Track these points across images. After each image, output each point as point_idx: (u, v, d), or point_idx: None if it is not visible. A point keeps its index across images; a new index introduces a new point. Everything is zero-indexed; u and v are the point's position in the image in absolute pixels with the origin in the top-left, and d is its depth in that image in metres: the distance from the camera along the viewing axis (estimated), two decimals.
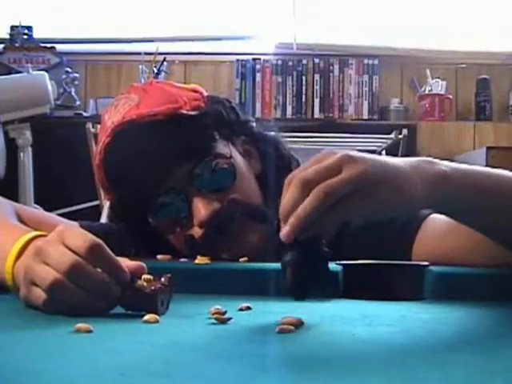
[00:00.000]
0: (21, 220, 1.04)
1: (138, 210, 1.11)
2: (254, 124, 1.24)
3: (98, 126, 3.28)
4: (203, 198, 1.07)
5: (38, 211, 1.41)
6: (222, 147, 1.13)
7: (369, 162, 0.74)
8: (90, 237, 0.75)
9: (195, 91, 1.17)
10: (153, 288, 0.75)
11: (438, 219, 1.10)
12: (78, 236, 0.75)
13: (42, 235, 0.83)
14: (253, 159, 1.19)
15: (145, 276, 0.76)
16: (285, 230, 0.70)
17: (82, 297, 0.73)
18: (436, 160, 0.83)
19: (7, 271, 0.82)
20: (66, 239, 0.75)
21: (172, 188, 1.08)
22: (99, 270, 0.73)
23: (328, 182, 0.70)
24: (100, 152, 1.12)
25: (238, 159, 1.14)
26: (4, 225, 0.95)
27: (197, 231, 1.08)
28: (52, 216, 1.24)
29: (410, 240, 1.07)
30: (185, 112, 1.09)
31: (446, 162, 0.83)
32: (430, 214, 1.12)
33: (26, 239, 0.83)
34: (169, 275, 0.76)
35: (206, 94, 1.19)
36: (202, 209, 1.06)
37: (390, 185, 0.74)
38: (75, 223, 1.19)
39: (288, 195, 0.71)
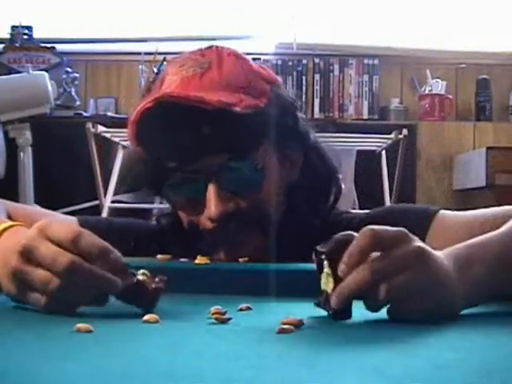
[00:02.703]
0: (11, 218, 1.04)
1: (153, 179, 1.09)
2: (311, 134, 1.18)
3: (98, 126, 3.28)
4: (220, 194, 1.04)
5: (32, 208, 1.39)
6: (262, 153, 1.08)
7: (435, 265, 0.75)
8: (72, 227, 0.75)
9: (270, 82, 1.11)
10: (155, 286, 0.75)
11: (447, 215, 1.10)
12: (60, 228, 0.75)
13: (18, 225, 0.83)
14: (293, 168, 1.14)
15: (141, 270, 0.76)
16: (336, 305, 0.72)
17: (83, 294, 0.73)
18: (475, 255, 0.82)
19: None
20: (50, 233, 0.74)
21: (195, 172, 1.05)
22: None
23: (395, 282, 0.71)
24: (140, 112, 1.04)
25: (273, 168, 1.10)
26: None
27: (205, 221, 1.07)
28: (47, 213, 1.22)
29: (421, 238, 1.07)
30: (236, 111, 1.02)
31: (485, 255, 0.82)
32: (439, 210, 1.12)
33: (1, 229, 0.82)
34: (165, 278, 0.77)
35: (278, 87, 1.13)
36: (213, 205, 1.04)
37: (441, 294, 0.75)
38: (74, 218, 1.18)
39: (356, 277, 0.72)
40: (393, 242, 0.73)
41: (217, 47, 1.12)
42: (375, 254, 0.73)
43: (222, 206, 1.04)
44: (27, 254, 0.74)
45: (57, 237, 0.74)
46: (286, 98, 1.14)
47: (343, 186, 1.22)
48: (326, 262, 0.75)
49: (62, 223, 0.77)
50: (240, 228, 1.06)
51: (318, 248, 0.76)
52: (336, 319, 0.74)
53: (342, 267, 0.72)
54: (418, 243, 0.75)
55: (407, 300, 0.72)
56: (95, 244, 0.74)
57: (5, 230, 0.83)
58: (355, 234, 0.75)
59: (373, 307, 0.73)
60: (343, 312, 0.73)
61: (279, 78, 1.17)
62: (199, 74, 1.06)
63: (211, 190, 1.04)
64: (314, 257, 0.77)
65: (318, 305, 0.75)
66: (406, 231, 0.75)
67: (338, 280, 0.73)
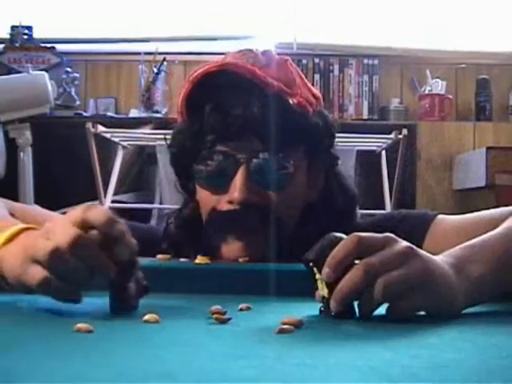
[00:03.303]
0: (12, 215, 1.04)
1: (192, 148, 1.09)
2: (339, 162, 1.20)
3: (99, 126, 3.28)
4: (248, 182, 1.05)
5: (32, 207, 1.39)
6: (297, 158, 1.10)
7: (428, 262, 0.75)
8: (90, 206, 0.75)
9: (315, 97, 1.14)
10: (135, 302, 0.76)
11: (445, 220, 1.11)
12: (79, 209, 0.75)
13: (32, 228, 0.83)
14: (315, 187, 1.15)
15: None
16: (336, 308, 0.72)
17: (80, 271, 0.72)
18: (477, 253, 0.82)
19: None
20: (71, 215, 0.75)
21: (230, 151, 1.06)
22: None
23: (389, 277, 0.72)
24: (202, 74, 1.04)
25: (301, 176, 1.11)
26: None
27: (223, 203, 1.07)
28: (47, 213, 1.22)
29: (420, 242, 1.07)
30: (291, 102, 1.05)
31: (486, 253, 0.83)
32: (437, 214, 1.13)
33: (16, 230, 0.82)
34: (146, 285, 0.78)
35: (320, 106, 1.16)
36: (239, 190, 1.04)
37: (438, 290, 0.75)
38: None
39: (350, 277, 0.72)
40: (381, 245, 0.74)
41: (271, 52, 1.14)
42: (362, 261, 0.73)
43: (248, 193, 1.05)
44: (45, 233, 0.74)
45: (73, 217, 0.74)
46: (329, 117, 1.17)
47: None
48: (315, 269, 0.75)
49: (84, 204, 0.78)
50: (253, 221, 1.06)
51: (305, 256, 0.76)
52: (340, 318, 0.74)
53: (325, 270, 0.73)
54: (407, 244, 0.75)
55: (404, 296, 0.72)
56: (101, 214, 0.74)
57: (20, 231, 0.82)
58: (340, 235, 0.75)
59: (368, 308, 0.73)
60: (345, 313, 0.73)
61: (320, 95, 1.19)
62: (258, 66, 1.07)
63: (241, 175, 1.05)
64: (304, 267, 0.77)
65: (321, 312, 0.75)
66: (394, 236, 0.76)
67: (329, 284, 0.73)
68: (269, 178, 1.07)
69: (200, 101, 1.05)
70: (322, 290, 0.74)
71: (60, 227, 0.73)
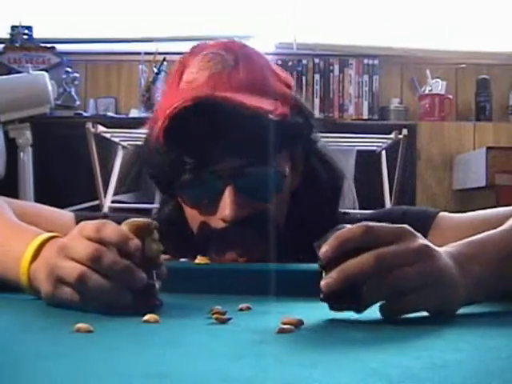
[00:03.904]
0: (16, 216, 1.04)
1: (172, 175, 1.08)
2: (319, 140, 1.18)
3: (99, 126, 3.28)
4: (237, 198, 1.04)
5: (30, 204, 1.38)
6: (283, 161, 1.09)
7: (440, 261, 0.75)
8: (100, 221, 0.77)
9: (288, 86, 1.11)
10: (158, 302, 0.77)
11: (447, 217, 1.10)
12: (90, 225, 0.77)
13: (56, 236, 0.84)
14: (298, 174, 1.14)
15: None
16: (330, 285, 0.71)
17: (107, 287, 0.74)
18: (476, 253, 0.82)
19: (22, 273, 0.83)
20: (83, 232, 0.77)
21: (215, 172, 1.05)
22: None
23: (403, 274, 0.71)
24: (178, 109, 1.01)
25: (287, 177, 1.10)
26: (10, 226, 0.95)
27: (216, 222, 1.06)
28: (43, 207, 1.21)
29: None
30: (271, 117, 1.02)
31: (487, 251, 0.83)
32: (439, 212, 1.12)
33: (41, 240, 0.84)
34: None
35: (295, 92, 1.13)
36: (230, 208, 1.03)
37: (443, 293, 0.75)
38: (71, 214, 1.18)
39: (359, 260, 0.71)
40: (393, 237, 0.73)
41: (239, 43, 1.11)
42: (376, 250, 0.72)
43: (238, 209, 1.03)
44: (62, 251, 0.77)
45: (86, 233, 0.76)
46: (304, 104, 1.15)
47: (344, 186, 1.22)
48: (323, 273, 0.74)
49: (93, 222, 0.79)
50: (250, 233, 1.05)
51: (315, 243, 0.75)
52: (334, 309, 0.73)
53: (323, 248, 0.72)
54: (423, 240, 0.75)
55: (407, 294, 0.72)
56: (116, 232, 0.76)
57: (47, 240, 0.84)
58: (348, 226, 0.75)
59: (372, 298, 0.72)
60: (338, 299, 0.72)
61: (292, 79, 1.16)
62: (226, 72, 1.05)
63: (229, 193, 1.04)
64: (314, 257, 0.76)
65: (321, 300, 0.74)
66: (410, 229, 0.75)
67: (327, 269, 0.72)
68: (258, 191, 1.06)
69: (179, 133, 1.04)
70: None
71: (77, 245, 0.76)
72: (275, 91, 1.08)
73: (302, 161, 1.15)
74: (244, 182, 1.05)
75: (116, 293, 0.74)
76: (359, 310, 0.73)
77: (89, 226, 0.77)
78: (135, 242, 0.75)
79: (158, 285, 0.78)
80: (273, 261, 1.02)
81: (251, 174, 1.05)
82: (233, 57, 1.07)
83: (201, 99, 1.01)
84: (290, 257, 1.02)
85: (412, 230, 0.75)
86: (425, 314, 0.75)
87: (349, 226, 0.75)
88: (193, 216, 1.10)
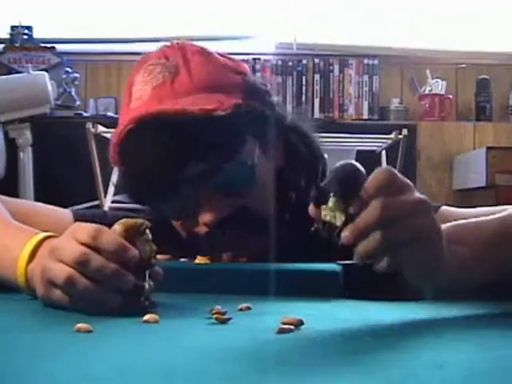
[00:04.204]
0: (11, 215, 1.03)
1: (143, 195, 1.08)
2: (288, 115, 1.15)
3: (99, 126, 3.28)
4: (213, 200, 1.03)
5: (26, 202, 1.37)
6: (248, 149, 1.06)
7: (441, 245, 0.76)
8: (96, 226, 0.76)
9: (239, 72, 1.08)
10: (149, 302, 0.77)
11: (449, 211, 1.11)
12: (84, 228, 0.77)
13: (52, 236, 0.84)
14: (277, 152, 1.11)
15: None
16: (346, 239, 0.72)
17: (95, 290, 0.73)
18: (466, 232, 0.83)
19: (20, 273, 0.83)
20: (76, 234, 0.76)
21: (185, 182, 1.02)
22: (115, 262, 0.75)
23: (405, 225, 0.72)
24: (123, 134, 1.02)
25: (261, 161, 1.08)
26: (6, 226, 0.95)
27: (201, 228, 1.06)
28: (39, 205, 1.21)
29: None
30: (218, 114, 0.99)
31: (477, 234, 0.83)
32: (441, 205, 1.13)
33: (37, 240, 0.84)
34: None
35: (248, 76, 1.10)
36: (209, 212, 1.03)
37: (434, 248, 0.76)
38: (68, 211, 1.18)
39: (367, 214, 0.71)
40: (403, 187, 0.75)
41: (178, 44, 1.10)
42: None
43: (218, 211, 1.03)
44: (52, 253, 0.77)
45: (80, 237, 0.76)
46: (259, 86, 1.11)
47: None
48: (334, 199, 0.73)
49: (88, 225, 0.78)
50: (238, 229, 1.04)
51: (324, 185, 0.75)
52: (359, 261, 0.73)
53: (345, 234, 0.72)
54: (423, 197, 0.76)
55: (406, 245, 0.73)
56: (113, 241, 0.75)
57: (43, 240, 0.84)
58: (354, 163, 0.75)
59: (368, 251, 0.72)
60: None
61: (245, 65, 1.13)
62: (169, 80, 1.03)
63: (203, 198, 1.03)
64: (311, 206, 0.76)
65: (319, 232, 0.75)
66: (411, 185, 0.76)
67: (347, 218, 0.72)
68: (230, 187, 1.04)
69: (133, 155, 1.03)
70: (333, 218, 0.73)
71: (66, 247, 0.76)
72: (224, 83, 1.05)
73: (276, 142, 1.11)
74: (213, 183, 1.03)
75: (104, 295, 0.74)
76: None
77: (83, 229, 0.76)
78: (132, 253, 0.75)
79: (148, 285, 0.77)
80: (272, 251, 1.01)
81: (218, 174, 1.02)
82: (174, 63, 1.06)
83: (142, 117, 1.00)
84: (287, 240, 1.01)
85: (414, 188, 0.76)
86: (425, 314, 0.75)
87: (354, 163, 0.75)
88: (179, 226, 1.09)
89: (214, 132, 1.00)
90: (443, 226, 0.80)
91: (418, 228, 0.73)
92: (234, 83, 1.06)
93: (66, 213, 1.17)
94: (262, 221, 1.05)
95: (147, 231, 0.78)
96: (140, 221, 0.78)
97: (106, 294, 0.74)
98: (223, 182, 1.03)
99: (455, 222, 0.84)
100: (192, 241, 1.08)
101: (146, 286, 0.77)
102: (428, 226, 0.74)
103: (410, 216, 0.72)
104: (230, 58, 1.11)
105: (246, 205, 1.05)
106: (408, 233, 0.72)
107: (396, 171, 0.75)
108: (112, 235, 0.76)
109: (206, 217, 1.03)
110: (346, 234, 0.72)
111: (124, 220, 0.78)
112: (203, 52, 1.09)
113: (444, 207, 1.13)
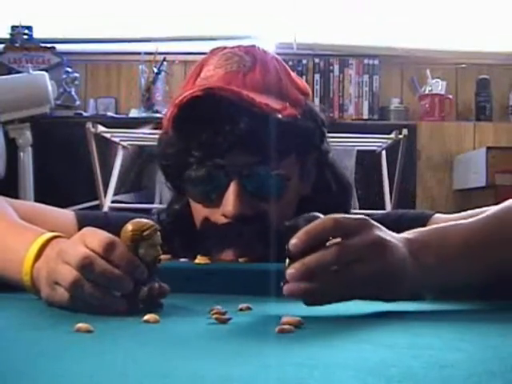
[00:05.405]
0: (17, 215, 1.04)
1: (179, 166, 1.09)
2: (331, 151, 1.19)
3: (99, 126, 3.28)
4: (240, 195, 1.04)
5: (30, 204, 1.38)
6: (289, 164, 1.09)
7: (390, 260, 0.77)
8: (107, 235, 0.77)
9: (304, 93, 1.13)
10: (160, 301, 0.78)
11: (441, 217, 1.11)
12: (96, 235, 0.77)
13: (59, 236, 0.84)
14: (308, 182, 1.15)
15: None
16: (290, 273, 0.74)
17: (99, 295, 0.74)
18: (431, 241, 0.83)
19: (25, 272, 0.83)
20: (86, 239, 0.77)
21: (221, 167, 1.05)
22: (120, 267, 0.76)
23: (355, 270, 0.74)
24: (187, 98, 1.02)
25: (295, 180, 1.11)
26: (12, 225, 0.95)
27: (218, 217, 1.07)
28: (43, 207, 1.21)
29: None
30: (279, 117, 1.03)
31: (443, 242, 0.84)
32: (435, 213, 1.13)
33: (44, 240, 0.84)
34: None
35: (310, 100, 1.15)
36: (233, 204, 1.04)
37: (389, 284, 0.77)
38: (71, 212, 1.18)
39: (323, 254, 0.74)
40: (354, 228, 0.75)
41: (259, 48, 1.14)
42: (333, 241, 0.74)
43: (241, 206, 1.04)
44: (60, 255, 0.77)
45: (90, 244, 0.76)
46: (318, 113, 1.16)
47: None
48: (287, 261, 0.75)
49: (100, 233, 0.79)
50: (251, 232, 1.05)
51: (284, 226, 0.78)
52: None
53: (293, 241, 0.73)
54: (378, 232, 0.76)
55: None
56: (124, 257, 0.76)
57: (49, 240, 0.84)
58: (320, 215, 0.77)
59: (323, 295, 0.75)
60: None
61: (309, 90, 1.18)
62: (243, 72, 1.07)
63: (233, 188, 1.04)
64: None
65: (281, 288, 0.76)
66: (368, 219, 0.77)
67: (292, 260, 0.74)
68: (262, 190, 1.06)
69: (186, 122, 1.05)
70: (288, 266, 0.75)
71: (73, 251, 0.76)
72: (288, 95, 1.09)
73: (314, 169, 1.15)
74: (249, 180, 1.05)
75: (109, 300, 0.75)
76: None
77: (95, 237, 0.77)
78: (142, 270, 0.76)
79: (148, 288, 0.77)
80: (272, 261, 1.02)
81: (256, 173, 1.05)
82: (251, 59, 1.09)
83: (211, 90, 1.01)
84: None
85: (372, 221, 0.77)
86: (425, 313, 0.76)
87: (319, 214, 0.77)
88: (198, 211, 1.10)
89: (269, 131, 1.02)
90: (405, 235, 0.81)
91: (357, 249, 0.74)
92: (297, 99, 1.10)
93: (69, 214, 1.17)
94: (274, 232, 1.06)
95: (156, 235, 0.78)
96: (150, 223, 0.79)
97: (110, 298, 0.75)
98: (257, 182, 1.06)
99: (429, 228, 0.85)
100: (204, 230, 1.08)
101: (145, 289, 0.77)
102: (367, 244, 0.75)
103: (349, 237, 0.74)
104: (299, 79, 1.16)
105: (268, 213, 1.07)
106: (348, 254, 0.74)
107: (340, 215, 0.77)
108: (123, 250, 0.76)
109: (229, 207, 1.04)
110: (290, 271, 0.73)
111: (137, 220, 0.78)
112: (280, 62, 1.14)
113: (437, 215, 1.13)
